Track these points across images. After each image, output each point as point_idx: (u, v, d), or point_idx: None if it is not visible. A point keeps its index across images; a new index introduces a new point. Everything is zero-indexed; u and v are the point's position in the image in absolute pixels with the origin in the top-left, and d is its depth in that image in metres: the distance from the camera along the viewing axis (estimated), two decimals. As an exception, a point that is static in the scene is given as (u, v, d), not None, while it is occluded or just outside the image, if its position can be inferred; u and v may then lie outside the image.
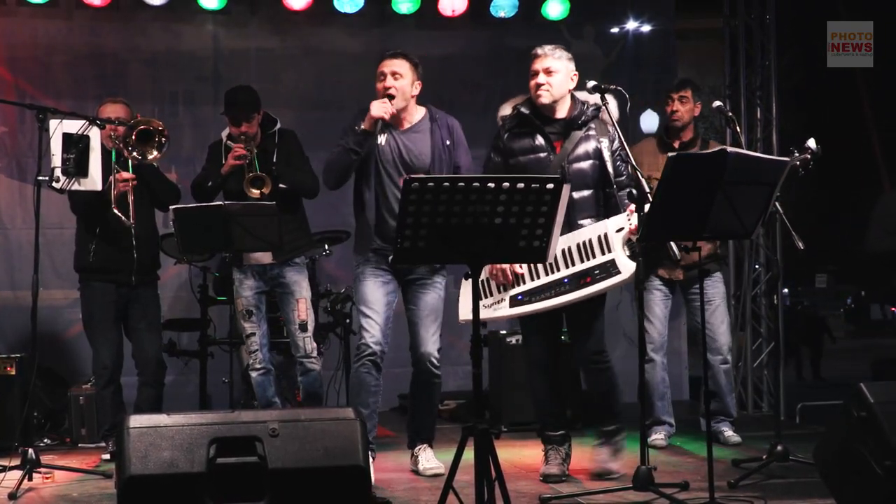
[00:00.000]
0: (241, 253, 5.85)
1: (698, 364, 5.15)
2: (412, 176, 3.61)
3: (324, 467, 3.69)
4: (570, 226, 4.97)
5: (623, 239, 4.84)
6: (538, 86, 5.07)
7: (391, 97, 5.25)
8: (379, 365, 5.37)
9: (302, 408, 5.86)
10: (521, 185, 3.66)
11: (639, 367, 4.70)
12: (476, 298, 3.85)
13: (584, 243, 4.93)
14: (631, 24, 8.67)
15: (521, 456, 5.82)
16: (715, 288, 6.14)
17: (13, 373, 6.42)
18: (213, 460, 3.61)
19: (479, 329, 3.86)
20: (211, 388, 6.93)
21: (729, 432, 6.21)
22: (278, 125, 6.04)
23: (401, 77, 5.30)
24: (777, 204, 5.16)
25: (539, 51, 5.12)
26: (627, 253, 4.83)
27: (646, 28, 8.69)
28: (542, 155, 5.08)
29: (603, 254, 4.88)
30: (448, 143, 5.33)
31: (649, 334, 5.96)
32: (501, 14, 8.27)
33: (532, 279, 5.04)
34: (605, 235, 4.89)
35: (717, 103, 5.63)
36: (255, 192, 5.73)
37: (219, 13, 8.07)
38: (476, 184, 3.61)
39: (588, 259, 4.90)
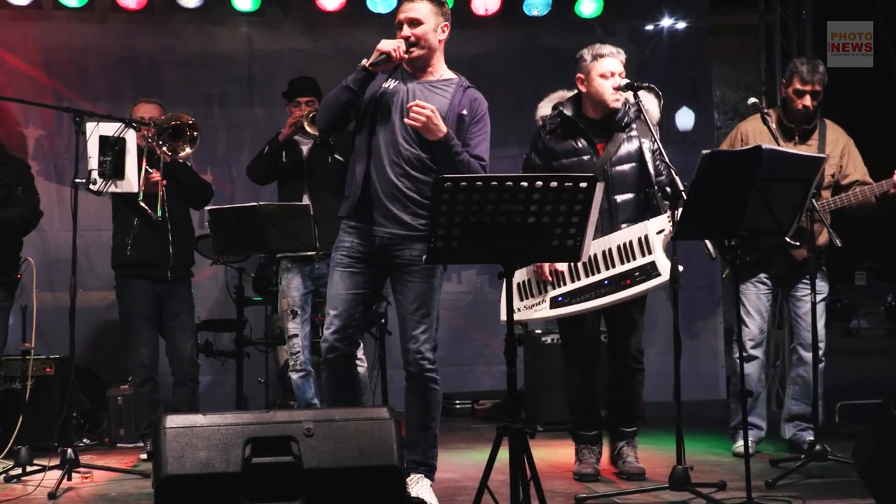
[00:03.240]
0: (275, 254, 5.89)
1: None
2: (445, 175, 3.59)
3: (359, 467, 3.70)
4: (613, 228, 4.96)
5: (664, 240, 4.81)
6: (614, 89, 4.99)
7: (412, 45, 4.52)
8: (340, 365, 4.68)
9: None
10: (554, 183, 3.64)
11: (674, 365, 4.66)
12: (510, 298, 3.84)
13: (624, 245, 4.90)
14: (665, 21, 8.63)
15: (556, 455, 5.80)
16: (823, 283, 5.79)
17: (52, 373, 6.50)
18: (249, 460, 3.62)
19: (514, 328, 3.85)
20: (247, 389, 6.96)
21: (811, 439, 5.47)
22: None
23: (420, 23, 4.54)
24: (814, 201, 5.11)
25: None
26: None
27: (680, 25, 8.64)
28: (586, 157, 5.04)
29: (643, 255, 4.84)
30: (464, 113, 4.55)
31: (748, 331, 5.75)
32: (535, 12, 8.25)
33: (572, 280, 5.01)
34: (646, 237, 4.85)
35: (753, 100, 5.56)
36: (314, 129, 5.84)
37: (252, 15, 8.11)
38: (509, 182, 3.60)
39: (628, 261, 4.86)
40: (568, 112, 5.09)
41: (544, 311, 5.11)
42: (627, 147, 5.04)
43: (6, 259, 5.84)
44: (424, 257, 3.90)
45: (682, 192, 4.52)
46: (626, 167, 5.04)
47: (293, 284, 5.97)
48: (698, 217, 4.29)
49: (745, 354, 5.74)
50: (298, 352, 5.98)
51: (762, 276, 5.79)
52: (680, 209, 4.46)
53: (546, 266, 5.02)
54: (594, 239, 4.88)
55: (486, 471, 3.75)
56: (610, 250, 4.93)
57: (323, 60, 8.20)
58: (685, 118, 8.65)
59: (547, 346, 6.91)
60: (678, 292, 4.52)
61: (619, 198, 5.00)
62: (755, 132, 5.62)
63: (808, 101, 5.58)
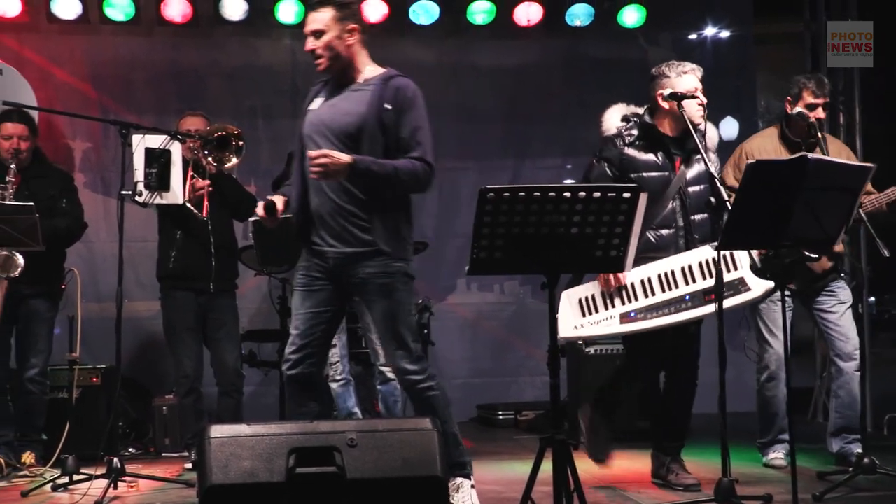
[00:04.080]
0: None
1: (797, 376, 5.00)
2: (487, 186, 3.58)
3: (402, 478, 3.69)
4: (689, 247, 4.94)
5: (749, 257, 4.77)
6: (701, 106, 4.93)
7: (318, 57, 4.41)
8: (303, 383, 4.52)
9: (380, 418, 5.89)
10: (597, 193, 3.63)
11: (719, 376, 4.62)
12: (553, 308, 3.83)
13: (706, 260, 4.82)
14: (709, 31, 8.58)
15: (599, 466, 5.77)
16: (845, 291, 5.77)
17: (98, 383, 6.56)
18: (293, 470, 3.64)
19: (556, 339, 3.83)
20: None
21: (859, 451, 5.38)
22: None
23: (323, 33, 4.38)
24: (861, 210, 5.05)
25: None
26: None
27: (724, 34, 8.59)
28: (665, 174, 5.00)
29: (728, 271, 4.79)
30: (388, 107, 4.30)
31: (773, 349, 5.74)
32: (577, 23, 8.23)
33: (646, 296, 4.93)
34: (732, 253, 4.80)
35: (799, 109, 5.53)
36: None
37: (296, 27, 8.13)
38: (552, 193, 3.59)
39: (712, 276, 4.74)
40: (650, 121, 5.02)
41: (614, 326, 4.98)
42: (698, 167, 5.00)
43: (51, 270, 5.91)
44: (467, 269, 3.84)
45: (727, 203, 4.49)
46: (699, 187, 5.01)
47: None
48: (743, 227, 4.26)
49: (768, 376, 5.81)
50: (337, 361, 6.00)
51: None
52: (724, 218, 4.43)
53: (623, 276, 4.88)
54: (671, 256, 4.87)
55: (530, 482, 3.74)
56: (690, 266, 4.86)
57: (366, 72, 8.21)
58: (729, 128, 8.59)
59: (591, 356, 6.87)
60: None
61: (697, 217, 4.98)
62: (760, 149, 5.67)
63: (820, 112, 5.62)
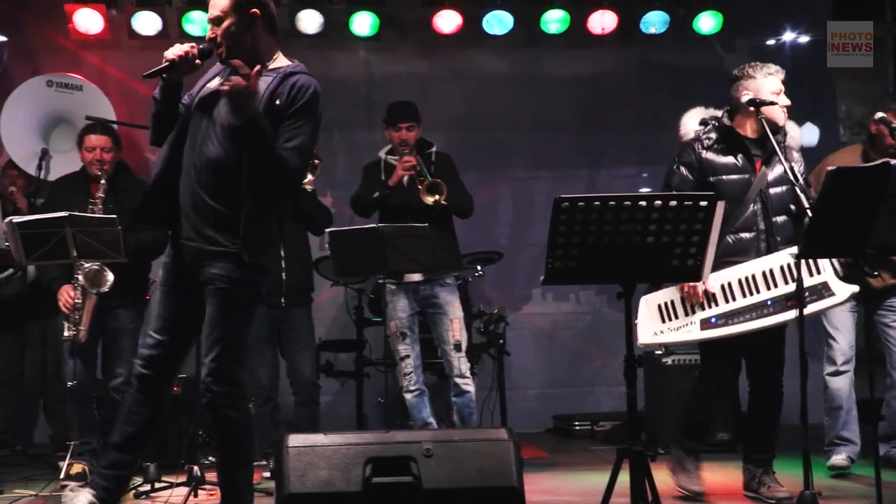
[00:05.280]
0: (395, 275, 5.95)
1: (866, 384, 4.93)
2: (562, 195, 3.57)
3: (478, 488, 3.70)
4: (770, 250, 4.88)
5: (832, 262, 4.70)
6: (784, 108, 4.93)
7: (219, 45, 4.02)
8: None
9: (455, 428, 5.89)
10: (673, 202, 3.60)
11: (801, 387, 4.54)
12: (630, 317, 3.81)
13: (789, 265, 4.75)
14: (787, 36, 8.45)
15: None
16: None
17: (179, 392, 6.65)
18: (369, 480, 3.66)
19: (633, 348, 3.80)
20: (366, 409, 7.02)
21: None
22: (434, 148, 6.16)
23: (222, 20, 4.00)
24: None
25: None
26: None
27: (802, 39, 8.45)
28: (746, 176, 4.95)
29: (811, 276, 4.72)
30: (278, 102, 3.95)
31: (837, 346, 5.81)
32: (652, 30, 8.18)
33: (726, 301, 4.87)
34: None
35: (880, 114, 5.44)
36: (431, 200, 5.89)
37: (370, 39, 8.23)
38: (627, 202, 3.56)
39: (793, 281, 4.65)
40: (728, 123, 4.98)
41: (694, 332, 4.91)
42: (780, 169, 4.93)
43: (136, 282, 6.01)
44: (542, 278, 3.81)
45: (807, 210, 4.42)
46: (781, 189, 4.94)
47: (399, 306, 6.02)
48: (825, 235, 4.19)
49: (834, 370, 5.84)
50: (411, 372, 6.01)
51: None
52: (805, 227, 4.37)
53: (699, 286, 4.84)
54: (752, 259, 4.80)
55: (607, 494, 3.71)
56: (771, 270, 4.79)
57: (440, 83, 8.27)
58: (809, 134, 8.44)
59: (668, 366, 6.80)
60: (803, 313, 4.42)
61: (778, 219, 4.92)
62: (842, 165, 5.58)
63: None
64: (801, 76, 8.26)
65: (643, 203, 3.58)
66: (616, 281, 3.76)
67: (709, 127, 5.06)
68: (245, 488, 4.04)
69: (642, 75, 8.52)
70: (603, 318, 8.35)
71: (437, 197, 5.88)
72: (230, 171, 3.91)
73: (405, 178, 6.01)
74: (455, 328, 5.98)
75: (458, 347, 5.96)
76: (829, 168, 4.15)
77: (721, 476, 5.58)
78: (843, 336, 5.83)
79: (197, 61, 3.99)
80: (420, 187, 5.91)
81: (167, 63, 3.96)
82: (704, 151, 5.00)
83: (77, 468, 5.69)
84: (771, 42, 8.49)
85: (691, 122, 5.17)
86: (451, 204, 5.98)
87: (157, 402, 4.18)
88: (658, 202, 3.58)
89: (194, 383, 5.86)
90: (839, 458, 5.82)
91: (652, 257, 3.67)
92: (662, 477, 5.06)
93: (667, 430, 6.74)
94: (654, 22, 8.14)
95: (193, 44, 3.98)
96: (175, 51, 3.94)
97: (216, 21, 4.00)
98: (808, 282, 4.65)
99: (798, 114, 8.06)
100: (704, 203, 3.63)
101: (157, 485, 5.38)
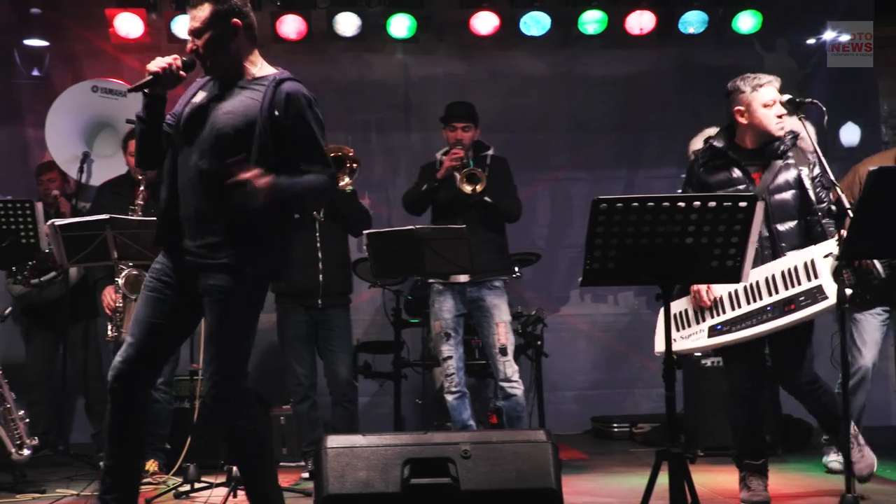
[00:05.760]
0: (432, 276, 5.96)
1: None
2: (600, 196, 3.56)
3: (516, 490, 3.69)
4: (775, 257, 4.84)
5: (831, 265, 4.66)
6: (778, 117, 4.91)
7: (200, 57, 3.99)
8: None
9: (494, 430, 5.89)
10: (712, 203, 3.58)
11: (842, 389, 4.50)
12: (668, 319, 3.79)
13: (789, 270, 4.74)
14: (828, 35, 8.37)
15: (717, 481, 5.66)
16: None
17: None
18: (407, 481, 3.67)
19: (672, 350, 3.78)
20: (404, 410, 7.03)
21: None
22: (491, 150, 6.17)
23: (202, 31, 3.95)
24: None
25: None
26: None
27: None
28: (741, 187, 4.92)
29: (809, 280, 4.69)
30: (277, 113, 3.88)
31: (861, 360, 5.71)
32: (690, 30, 8.13)
33: (732, 308, 4.88)
34: (812, 261, 4.69)
35: None
36: (469, 189, 5.92)
37: (408, 41, 8.25)
38: (666, 203, 3.55)
39: (793, 286, 4.70)
40: (718, 144, 5.01)
41: (702, 340, 4.95)
42: (786, 175, 4.90)
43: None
44: (580, 280, 3.79)
45: (848, 211, 4.38)
46: (786, 195, 4.91)
47: (445, 307, 6.03)
48: (867, 236, 4.15)
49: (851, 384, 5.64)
50: (453, 373, 6.01)
51: (879, 308, 5.77)
52: (845, 229, 4.32)
53: (704, 293, 4.88)
54: (755, 267, 4.78)
55: (646, 496, 3.69)
56: (773, 276, 4.78)
57: (478, 84, 8.27)
58: (850, 134, 8.37)
59: (707, 368, 6.76)
60: (859, 318, 4.39)
61: (781, 226, 4.88)
62: None
63: None
64: (841, 76, 8.21)
65: (682, 204, 3.56)
66: (655, 282, 3.74)
67: (707, 145, 5.09)
68: (272, 491, 3.96)
69: (681, 76, 8.48)
70: (641, 320, 8.32)
71: (475, 187, 5.88)
72: (223, 183, 3.79)
73: (456, 175, 6.02)
74: (501, 332, 5.97)
75: (503, 351, 5.95)
76: (871, 168, 4.11)
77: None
78: (869, 351, 5.73)
79: (181, 73, 3.93)
80: (459, 175, 5.92)
81: (151, 76, 3.89)
82: (700, 171, 5.05)
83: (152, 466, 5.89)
84: (811, 41, 8.42)
85: (697, 143, 5.22)
86: (495, 203, 5.98)
87: (138, 412, 3.98)
88: (697, 203, 3.56)
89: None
90: (834, 460, 5.73)
91: (691, 258, 3.65)
92: (701, 479, 5.03)
93: (706, 433, 6.73)
94: (693, 22, 8.09)
95: (176, 56, 3.93)
96: (159, 63, 3.88)
97: (196, 33, 3.94)
98: (804, 286, 4.65)
99: (839, 114, 8.06)
100: (744, 204, 3.61)
101: (197, 485, 5.42)
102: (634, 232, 3.57)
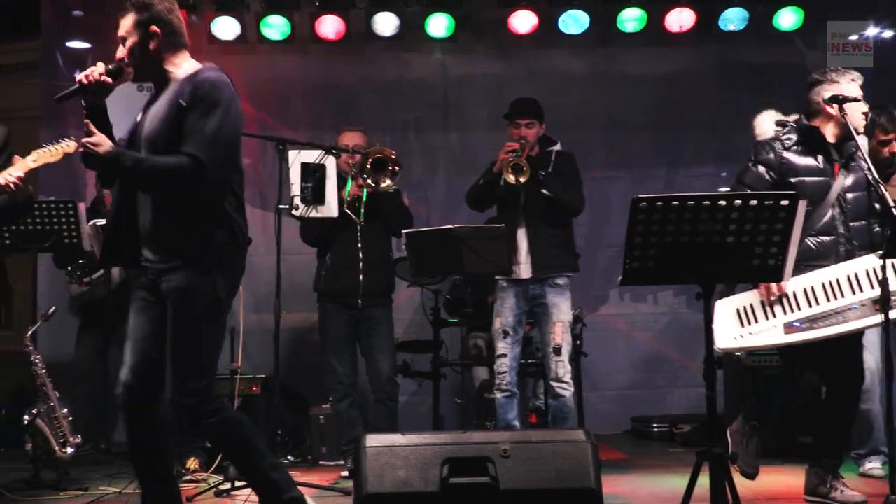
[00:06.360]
0: (471, 276, 5.95)
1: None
2: (640, 195, 3.54)
3: (555, 489, 3.68)
4: (849, 256, 4.78)
5: None
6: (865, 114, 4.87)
7: (128, 65, 4.01)
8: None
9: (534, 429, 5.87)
10: (753, 201, 3.55)
11: (885, 388, 4.44)
12: (709, 318, 3.76)
13: (875, 269, 4.62)
14: (871, 31, 8.28)
15: (758, 482, 5.60)
16: None
17: (258, 392, 6.74)
18: (446, 480, 3.67)
19: (713, 350, 3.76)
20: (443, 409, 7.03)
21: None
22: (558, 146, 6.15)
23: (126, 39, 3.99)
24: None
25: None
26: None
27: (887, 34, 8.27)
28: (826, 178, 4.86)
29: None
30: (183, 103, 3.84)
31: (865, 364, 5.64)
32: (731, 27, 8.08)
33: (809, 305, 4.79)
34: None
35: None
36: (512, 179, 5.88)
37: (446, 41, 8.25)
38: (706, 202, 3.52)
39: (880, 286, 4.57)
40: (808, 124, 4.91)
41: (778, 336, 4.78)
42: (857, 174, 4.86)
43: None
44: (620, 279, 3.77)
45: (893, 210, 4.33)
46: (858, 194, 4.86)
47: (507, 304, 6.02)
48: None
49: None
50: (505, 371, 6.01)
51: None
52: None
53: (774, 286, 4.68)
54: (834, 264, 4.71)
55: (686, 497, 3.67)
56: (856, 274, 4.68)
57: (516, 83, 8.24)
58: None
59: (748, 368, 6.70)
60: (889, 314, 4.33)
61: (854, 224, 4.83)
62: None
63: (894, 147, 5.69)
64: (884, 72, 8.10)
65: (722, 203, 3.54)
66: (695, 281, 3.72)
67: (788, 127, 4.97)
68: (269, 466, 3.98)
69: (721, 73, 8.42)
70: (681, 319, 8.27)
71: (518, 178, 5.86)
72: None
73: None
74: (557, 331, 5.95)
75: (557, 351, 5.93)
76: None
77: (794, 479, 5.48)
78: (871, 356, 5.61)
79: (107, 79, 3.93)
80: (506, 170, 5.90)
81: (77, 86, 3.92)
82: (785, 152, 4.91)
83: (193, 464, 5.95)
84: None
85: (767, 123, 5.11)
86: (555, 196, 5.95)
87: (153, 423, 4.02)
88: (738, 201, 3.54)
89: (272, 383, 5.95)
90: (874, 467, 5.73)
91: (732, 257, 3.62)
92: (742, 480, 4.99)
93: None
94: (733, 19, 8.04)
95: (102, 63, 3.94)
96: (85, 73, 3.90)
97: (122, 41, 4.00)
98: (893, 286, 4.55)
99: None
100: (786, 202, 3.57)
101: (237, 483, 5.45)
102: (674, 230, 3.55)
